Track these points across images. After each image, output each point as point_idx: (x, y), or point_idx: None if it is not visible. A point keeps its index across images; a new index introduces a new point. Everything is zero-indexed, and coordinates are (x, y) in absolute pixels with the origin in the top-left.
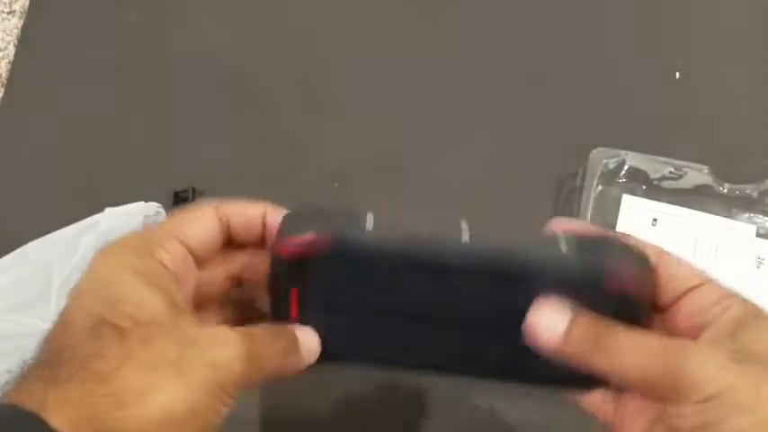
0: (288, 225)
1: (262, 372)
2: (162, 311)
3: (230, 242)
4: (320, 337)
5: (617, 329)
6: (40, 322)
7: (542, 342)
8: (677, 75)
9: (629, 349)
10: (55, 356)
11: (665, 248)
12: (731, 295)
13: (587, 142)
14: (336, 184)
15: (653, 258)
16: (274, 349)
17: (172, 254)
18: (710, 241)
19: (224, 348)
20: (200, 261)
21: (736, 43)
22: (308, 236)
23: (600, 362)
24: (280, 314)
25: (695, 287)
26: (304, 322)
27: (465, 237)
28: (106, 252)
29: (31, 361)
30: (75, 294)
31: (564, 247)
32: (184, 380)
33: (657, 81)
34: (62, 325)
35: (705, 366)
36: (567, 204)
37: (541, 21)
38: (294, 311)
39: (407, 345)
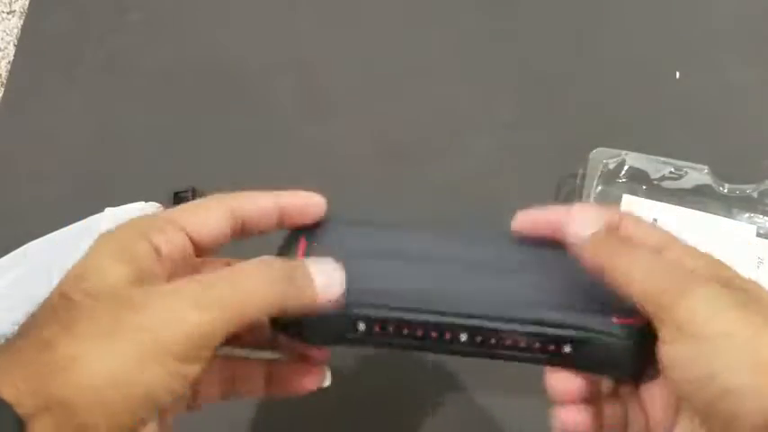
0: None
1: (242, 309)
2: (119, 284)
3: (246, 231)
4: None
5: (636, 246)
6: None
7: (572, 235)
8: (677, 75)
9: (639, 264)
10: (17, 331)
11: (628, 212)
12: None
13: (587, 142)
14: (337, 184)
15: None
16: (256, 280)
17: (170, 241)
18: (710, 241)
19: (164, 306)
20: (204, 252)
21: (736, 43)
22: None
23: (612, 263)
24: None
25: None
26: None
27: (463, 338)
28: (108, 231)
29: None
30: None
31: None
32: (114, 348)
33: (657, 81)
34: (39, 304)
35: (708, 304)
36: (567, 204)
37: (541, 20)
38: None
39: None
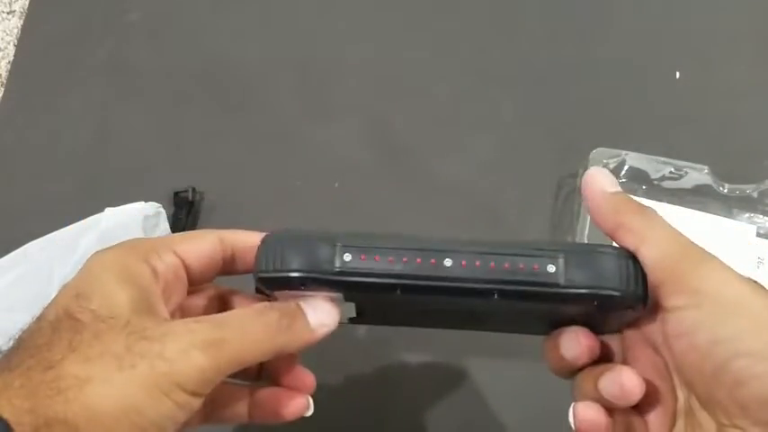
0: (265, 252)
1: (244, 354)
2: (126, 309)
3: (237, 263)
4: None
5: (651, 211)
6: None
7: (593, 190)
8: (677, 74)
9: (657, 228)
10: (13, 346)
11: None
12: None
13: (587, 142)
14: (336, 184)
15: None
16: (257, 327)
17: (166, 263)
18: (711, 241)
19: (176, 341)
20: (197, 279)
21: (736, 43)
22: (280, 274)
23: (631, 222)
24: None
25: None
26: None
27: (448, 263)
28: (104, 251)
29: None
30: (60, 288)
31: (552, 269)
32: (125, 374)
33: (657, 81)
34: (35, 318)
35: (722, 274)
36: (568, 205)
37: (542, 21)
38: None
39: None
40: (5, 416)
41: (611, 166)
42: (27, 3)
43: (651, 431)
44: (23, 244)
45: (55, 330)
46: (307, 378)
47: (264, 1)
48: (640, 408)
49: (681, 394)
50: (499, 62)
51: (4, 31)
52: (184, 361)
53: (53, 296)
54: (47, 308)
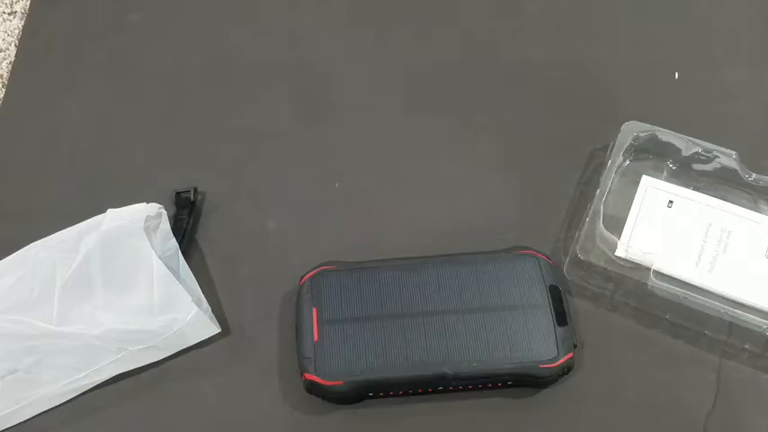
0: None
1: None
2: None
3: None
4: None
5: None
6: (42, 323)
7: None
8: (676, 75)
9: None
10: None
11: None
12: None
13: (588, 142)
14: (337, 185)
15: None
16: None
17: None
18: (724, 227)
19: None
20: None
21: (735, 43)
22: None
23: None
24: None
25: None
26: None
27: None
28: None
29: None
30: None
31: None
32: None
33: (658, 81)
34: None
35: None
36: (595, 177)
37: (542, 21)
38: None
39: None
40: None
41: (641, 140)
42: (28, 4)
43: None
44: (25, 245)
45: None
46: None
47: (264, 1)
48: None
49: None
50: (499, 62)
51: (6, 32)
52: None
53: (57, 298)
54: None
